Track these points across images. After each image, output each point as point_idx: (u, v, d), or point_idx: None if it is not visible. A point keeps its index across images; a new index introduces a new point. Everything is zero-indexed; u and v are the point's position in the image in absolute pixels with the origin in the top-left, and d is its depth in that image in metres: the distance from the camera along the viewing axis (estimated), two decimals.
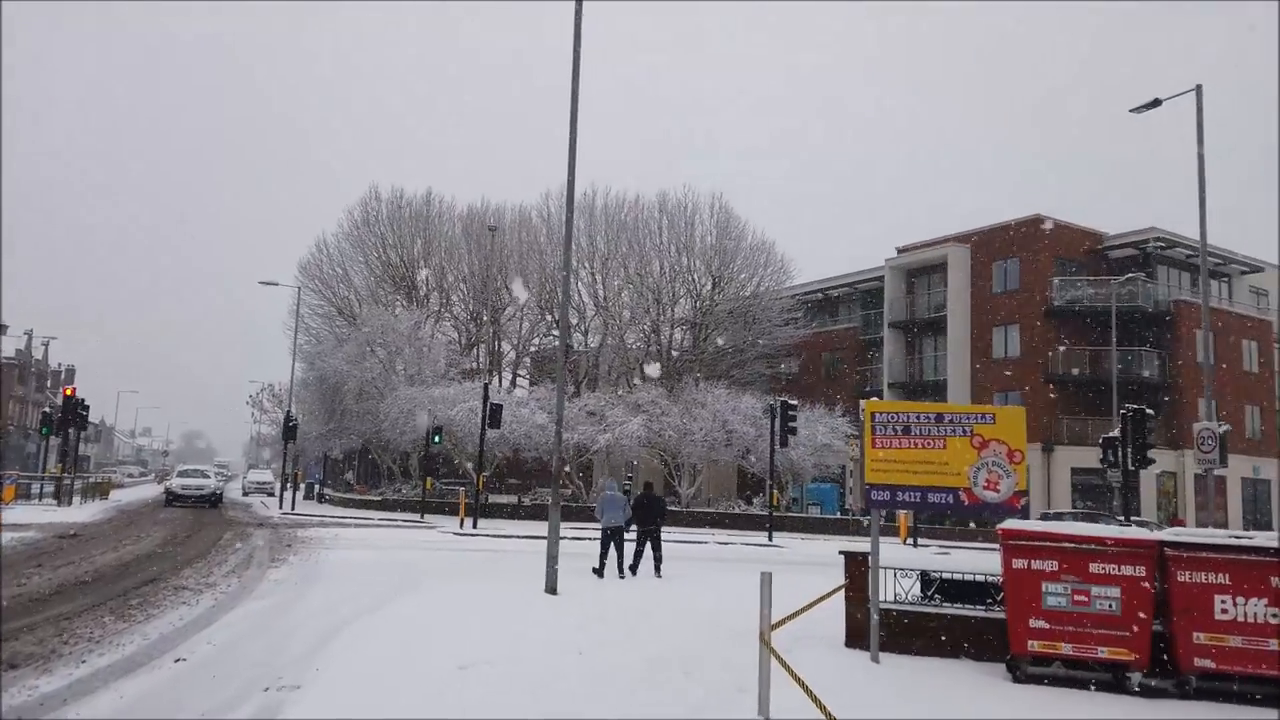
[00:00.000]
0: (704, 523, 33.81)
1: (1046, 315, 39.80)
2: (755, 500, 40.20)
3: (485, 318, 49.49)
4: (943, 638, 8.84)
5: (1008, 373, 40.45)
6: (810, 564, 20.08)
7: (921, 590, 9.25)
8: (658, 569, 15.83)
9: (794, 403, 26.51)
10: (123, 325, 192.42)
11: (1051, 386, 39.36)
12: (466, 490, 26.85)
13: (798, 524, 35.22)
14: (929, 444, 8.60)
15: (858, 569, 9.25)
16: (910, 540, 27.36)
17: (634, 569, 15.77)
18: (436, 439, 30.70)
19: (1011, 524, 8.37)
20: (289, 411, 37.72)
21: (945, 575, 9.12)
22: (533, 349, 52.10)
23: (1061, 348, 39.56)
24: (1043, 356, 39.46)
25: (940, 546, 28.79)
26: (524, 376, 51.91)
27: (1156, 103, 19.20)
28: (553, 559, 13.09)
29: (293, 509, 33.87)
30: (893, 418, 8.71)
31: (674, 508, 35.84)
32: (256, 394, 72.85)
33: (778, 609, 6.81)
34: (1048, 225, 40.76)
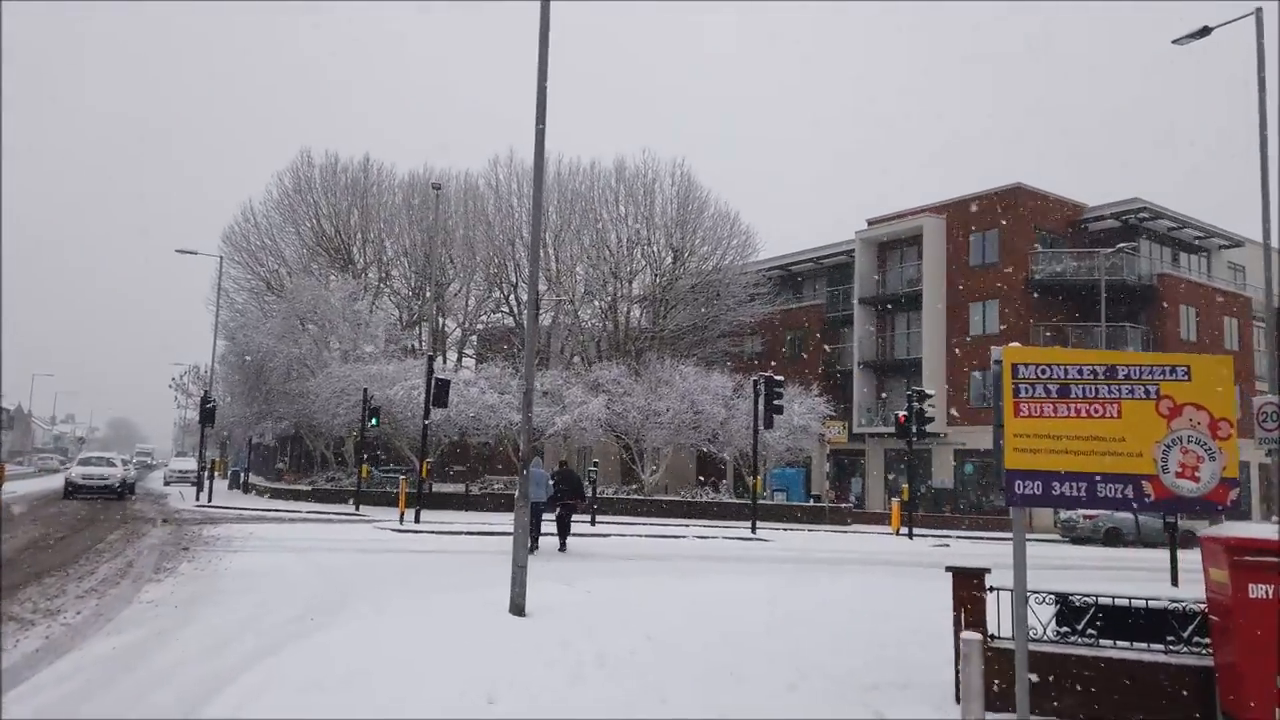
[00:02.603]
0: (672, 513, 31.04)
1: (1027, 289, 37.77)
2: (721, 487, 37.56)
3: (428, 293, 45.91)
4: (1102, 692, 6.08)
5: (987, 350, 38.30)
6: (810, 561, 17.40)
7: (1060, 621, 6.47)
8: (562, 544, 17.25)
9: (780, 378, 23.87)
10: (33, 303, 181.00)
11: None
12: (407, 479, 23.63)
13: (768, 512, 32.68)
14: (1097, 411, 5.80)
15: (971, 593, 6.44)
16: (904, 530, 24.88)
17: (562, 544, 17.17)
18: (373, 421, 27.35)
19: (1231, 531, 5.63)
20: (206, 393, 33.87)
21: (1100, 600, 6.33)
22: (480, 326, 48.68)
23: (1044, 323, 37.58)
24: (1023, 333, 37.41)
25: (938, 537, 26.45)
26: (470, 355, 48.49)
27: (1206, 31, 16.78)
28: (520, 568, 10.10)
29: (209, 501, 30.20)
30: (1043, 371, 5.88)
31: (637, 496, 33.04)
32: (180, 376, 68.10)
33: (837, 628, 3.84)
34: (1027, 195, 38.71)
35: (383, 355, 37.09)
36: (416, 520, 21.64)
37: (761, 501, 34.78)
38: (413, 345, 44.69)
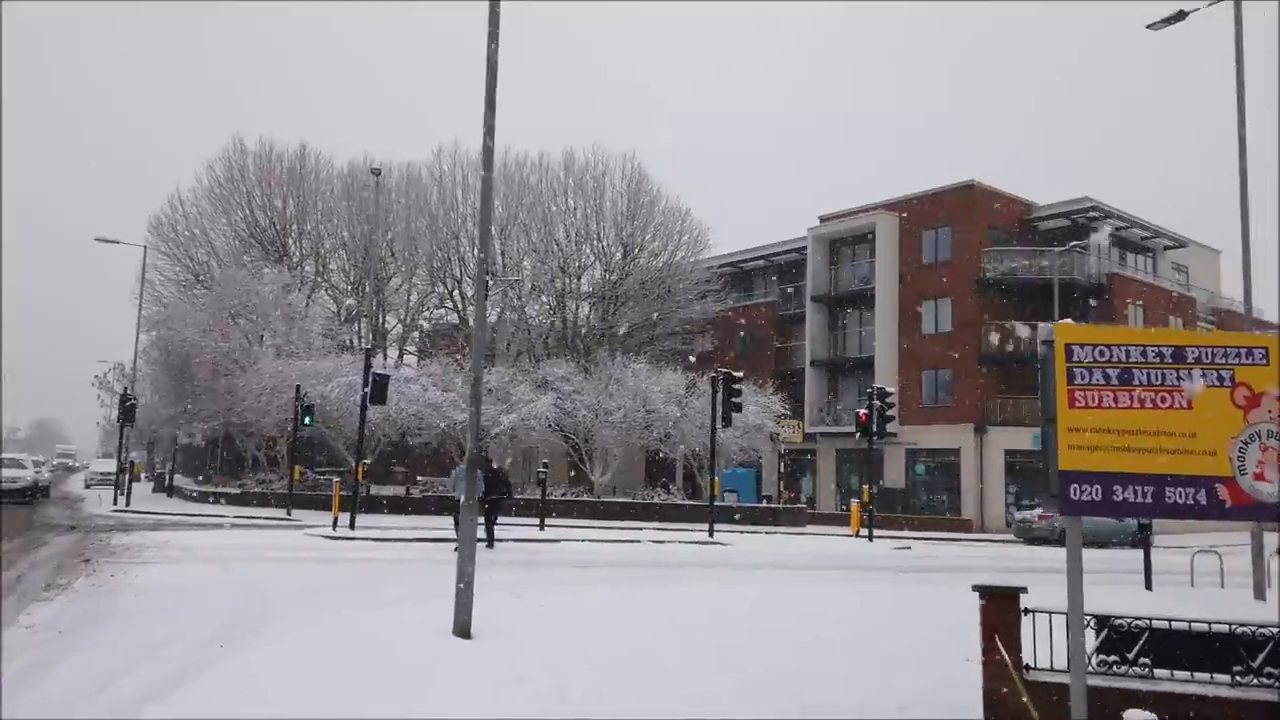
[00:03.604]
0: (624, 515, 29.92)
1: (979, 288, 37.53)
2: (672, 488, 36.56)
3: (368, 288, 44.10)
4: None
5: (939, 349, 38.04)
6: (775, 567, 16.46)
7: (1105, 649, 5.53)
8: (490, 542, 17.52)
9: (738, 375, 22.92)
10: None
11: (985, 364, 37.14)
12: (341, 481, 22.15)
13: (721, 514, 31.75)
14: (1164, 400, 4.87)
15: (1003, 617, 5.46)
16: (864, 532, 24.14)
17: (489, 543, 17.48)
18: (307, 420, 25.72)
19: None
20: (125, 390, 31.76)
21: (1154, 624, 5.40)
22: (423, 323, 46.97)
23: (996, 322, 37.36)
24: (975, 331, 37.19)
25: (897, 539, 25.81)
26: (412, 353, 46.78)
27: (1181, 15, 16.26)
28: (467, 584, 8.90)
29: (128, 505, 28.22)
30: (1102, 354, 4.93)
31: (587, 498, 31.88)
32: (104, 374, 64.83)
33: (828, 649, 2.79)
34: (981, 193, 38.50)
35: (319, 351, 35.30)
36: (351, 525, 20.19)
37: (715, 503, 33.94)
38: (351, 341, 42.87)
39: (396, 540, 18.97)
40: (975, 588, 5.61)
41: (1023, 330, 37.17)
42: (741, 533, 25.86)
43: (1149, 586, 15.18)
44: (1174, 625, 5.33)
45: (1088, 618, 5.58)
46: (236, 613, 9.85)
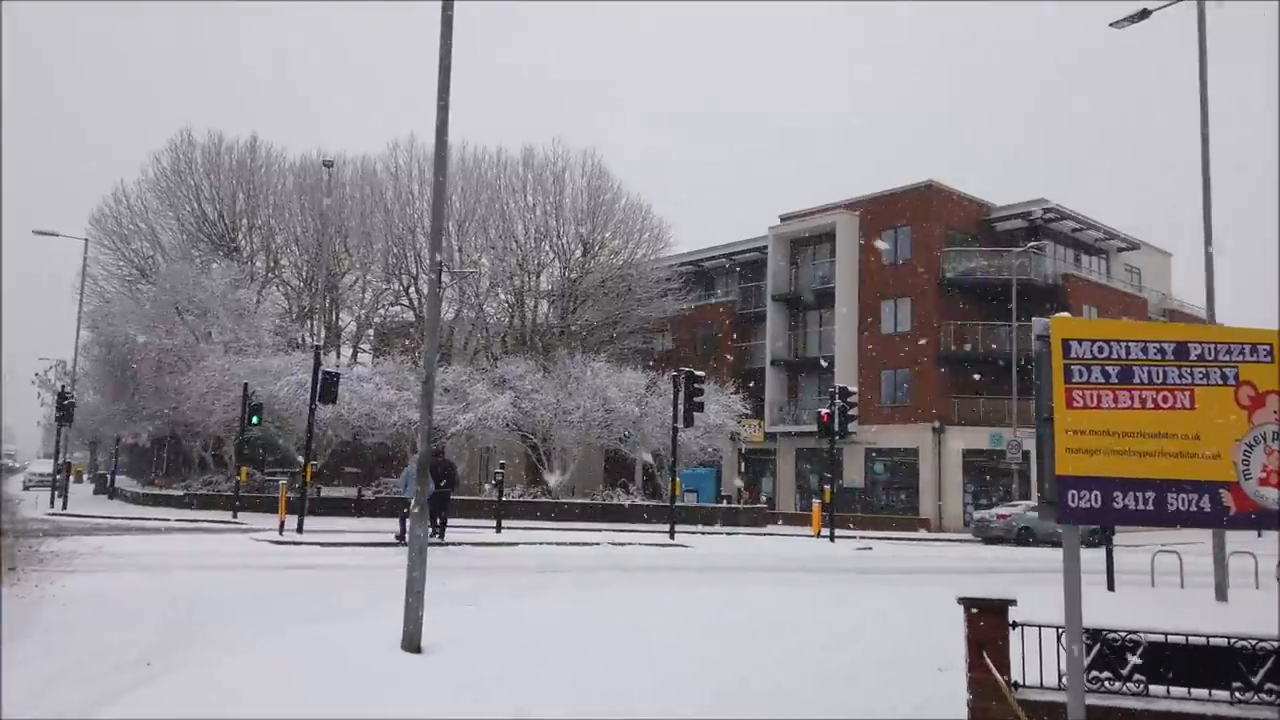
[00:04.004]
0: (583, 516, 29.44)
1: (939, 288, 37.66)
2: (631, 488, 36.14)
3: (321, 284, 43.04)
4: None
5: (898, 349, 38.11)
6: (740, 570, 16.11)
7: (1098, 664, 5.20)
8: (441, 534, 18.56)
9: (701, 373, 22.54)
10: None
11: (944, 364, 37.28)
12: (287, 483, 21.38)
13: (681, 514, 31.46)
14: (1166, 400, 4.55)
15: (991, 631, 5.11)
16: (826, 532, 23.93)
17: (441, 534, 18.48)
18: (254, 420, 24.85)
19: None
20: (63, 389, 30.50)
21: (1149, 638, 5.08)
22: (377, 320, 45.99)
23: (954, 322, 37.53)
24: (935, 331, 37.31)
25: (857, 539, 25.66)
26: (366, 350, 45.78)
27: (1145, 14, 16.21)
28: (417, 594, 8.38)
29: (65, 508, 27.08)
30: (1101, 350, 4.59)
31: (545, 499, 31.33)
32: (45, 372, 62.69)
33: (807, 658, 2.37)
34: (939, 193, 38.66)
35: (270, 349, 34.30)
36: (299, 529, 19.44)
37: (676, 504, 33.60)
38: (303, 339, 41.83)
39: (346, 545, 18.30)
40: (961, 600, 5.25)
41: (981, 333, 37.43)
42: (703, 534, 25.53)
43: (1111, 587, 15.08)
44: (1170, 638, 5.02)
45: (1060, 628, 5.25)
46: (169, 627, 9.22)
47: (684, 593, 11.81)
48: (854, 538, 26.20)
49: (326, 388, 19.22)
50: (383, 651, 7.94)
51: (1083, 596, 12.63)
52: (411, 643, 8.22)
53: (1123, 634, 5.08)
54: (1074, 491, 4.43)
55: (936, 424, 36.59)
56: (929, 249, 37.79)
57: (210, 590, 11.62)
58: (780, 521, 36.15)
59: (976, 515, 31.16)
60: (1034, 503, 31.37)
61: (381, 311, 45.76)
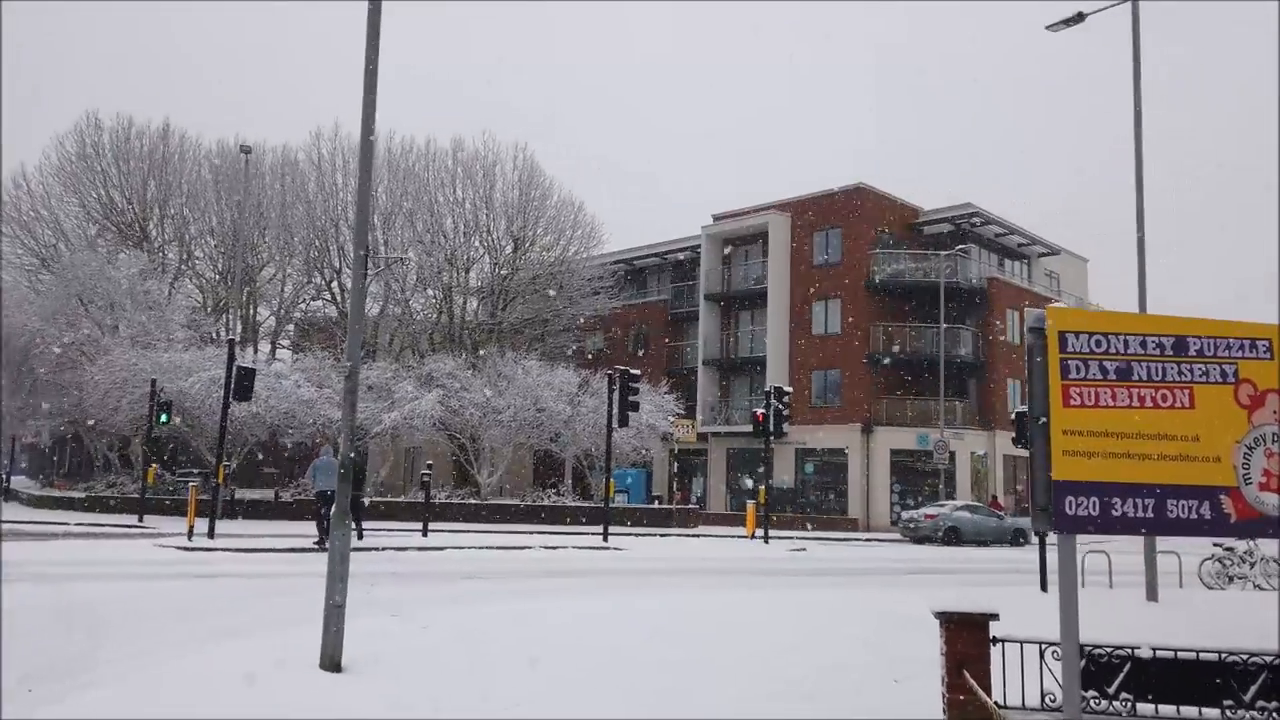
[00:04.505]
0: (513, 518, 28.73)
1: (868, 290, 37.97)
2: (561, 489, 35.53)
3: (238, 278, 41.26)
4: None
5: (829, 349, 38.30)
6: (678, 573, 15.67)
7: (1085, 682, 4.87)
8: (359, 535, 18.29)
9: (636, 372, 22.07)
10: None
11: (873, 365, 37.60)
12: (198, 485, 20.15)
13: (613, 515, 30.95)
14: (1165, 399, 4.22)
15: (971, 648, 4.73)
16: (760, 533, 23.70)
17: (358, 535, 18.05)
18: (163, 418, 23.46)
19: None
20: None
21: (1137, 654, 4.77)
22: (297, 315, 44.35)
23: (883, 324, 37.88)
24: (864, 333, 37.61)
25: (791, 540, 25.50)
26: (286, 347, 44.11)
27: (1080, 17, 16.32)
28: (337, 607, 7.69)
29: None
30: (1099, 343, 4.24)
31: (473, 501, 30.49)
32: None
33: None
34: (869, 196, 39.00)
35: (181, 344, 32.62)
36: (210, 534, 18.31)
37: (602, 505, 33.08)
38: (218, 334, 40.01)
39: (261, 550, 17.27)
40: (939, 615, 4.86)
41: (909, 335, 37.88)
42: (636, 535, 25.08)
43: (1044, 587, 15.11)
44: (1158, 653, 4.71)
45: (1055, 648, 4.92)
46: (56, 646, 8.32)
47: (624, 599, 11.30)
48: (786, 538, 26.08)
49: (241, 384, 18.15)
50: (298, 672, 7.24)
51: (1019, 596, 12.37)
52: (331, 660, 7.54)
53: (1109, 649, 4.76)
54: (1071, 498, 4.07)
55: (865, 424, 36.87)
56: (859, 251, 38.08)
57: (109, 601, 10.66)
58: (712, 522, 35.95)
59: (904, 515, 31.42)
60: (960, 503, 31.82)
61: (302, 306, 44.19)
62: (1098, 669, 4.76)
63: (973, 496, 35.56)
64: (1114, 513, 4.09)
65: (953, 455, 35.19)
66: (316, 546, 17.59)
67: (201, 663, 7.52)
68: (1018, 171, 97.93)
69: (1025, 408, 16.39)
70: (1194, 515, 4.15)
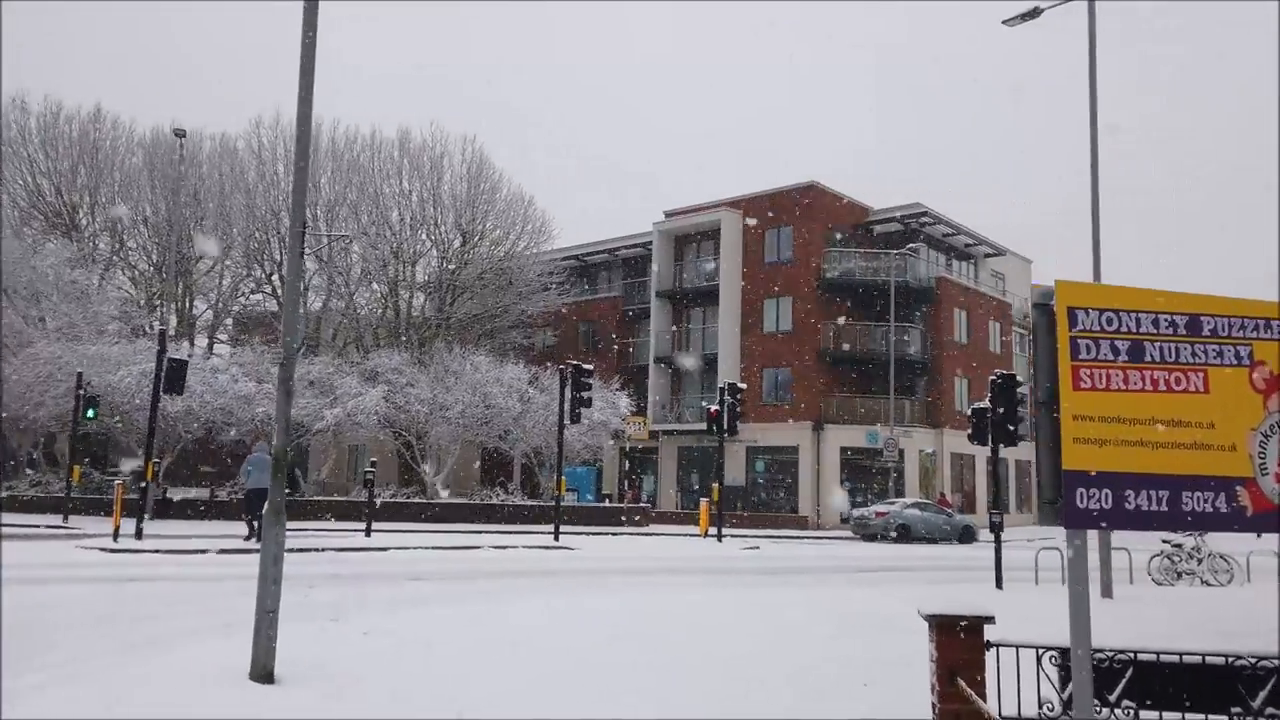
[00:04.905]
0: (460, 517, 28.00)
1: (819, 288, 37.99)
2: (510, 488, 34.86)
3: (173, 270, 39.70)
4: None
5: (780, 347, 38.24)
6: (633, 573, 15.24)
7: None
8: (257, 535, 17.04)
9: (589, 368, 21.55)
10: None
11: (823, 363, 37.63)
12: (125, 484, 19.08)
13: (563, 515, 30.41)
14: (1179, 381, 3.90)
15: (964, 654, 4.38)
16: (714, 532, 23.39)
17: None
18: (90, 413, 22.31)
19: None
20: None
21: (1140, 657, 4.45)
22: (236, 309, 42.90)
23: (833, 322, 37.93)
24: (815, 331, 37.62)
25: (743, 539, 25.24)
26: (224, 341, 42.63)
27: (1036, 12, 16.30)
28: (270, 613, 7.10)
29: None
30: (1110, 321, 3.90)
31: (419, 500, 29.70)
32: None
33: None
34: (821, 194, 39.02)
35: (112, 336, 31.21)
36: (138, 535, 17.35)
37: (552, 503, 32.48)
38: (152, 327, 38.46)
39: (191, 552, 16.40)
40: (928, 616, 4.49)
41: (859, 333, 37.98)
42: (587, 534, 24.59)
43: (999, 585, 15.03)
44: (1162, 658, 4.40)
45: (1053, 652, 4.59)
46: None
47: (581, 601, 10.83)
48: (739, 537, 25.82)
49: (173, 376, 17.24)
50: (226, 684, 6.65)
51: (976, 594, 12.13)
52: (262, 670, 6.95)
53: (1110, 653, 4.44)
54: (1082, 490, 3.72)
55: (816, 422, 36.87)
56: (811, 249, 38.08)
57: (25, 608, 9.85)
58: (663, 521, 35.61)
59: (855, 513, 31.42)
60: (910, 501, 31.92)
61: (241, 300, 42.75)
62: (1098, 675, 4.44)
63: (921, 494, 35.77)
64: (1127, 505, 3.75)
65: (902, 453, 35.36)
66: (244, 542, 17.24)
67: (119, 677, 6.87)
68: (1018, 172, 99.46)
69: (983, 404, 16.33)
70: (1209, 508, 3.84)
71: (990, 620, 4.41)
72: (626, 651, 7.94)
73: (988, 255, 45.49)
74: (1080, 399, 3.77)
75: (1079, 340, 3.81)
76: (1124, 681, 4.33)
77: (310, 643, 8.15)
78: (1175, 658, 4.39)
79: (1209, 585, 17.06)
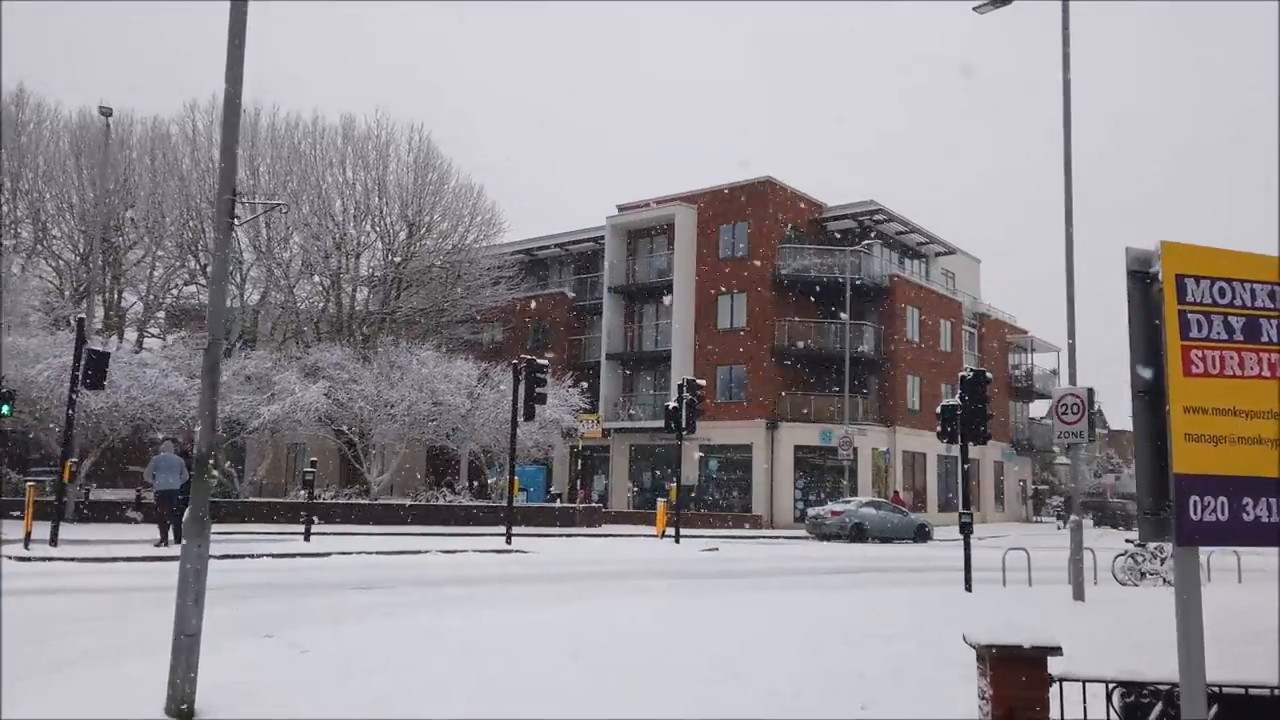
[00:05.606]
0: (406, 519, 26.86)
1: (774, 285, 37.56)
2: (458, 488, 33.73)
3: (101, 260, 37.70)
4: None
5: (734, 344, 37.72)
6: (593, 578, 14.43)
7: None
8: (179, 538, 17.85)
9: (544, 362, 20.62)
10: None
11: (777, 360, 37.21)
12: (36, 486, 17.65)
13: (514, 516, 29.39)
14: None
15: (1025, 691, 3.68)
16: (670, 533, 22.67)
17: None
18: (4, 409, 20.68)
19: None
20: None
21: (1227, 690, 3.80)
22: (168, 301, 40.98)
23: (788, 319, 37.54)
24: (769, 328, 37.18)
25: (701, 539, 24.58)
26: (156, 335, 40.72)
27: None
28: (189, 636, 6.15)
29: None
30: (1222, 293, 3.22)
31: (362, 501, 28.48)
32: None
33: None
34: (777, 190, 38.59)
35: (31, 328, 29.34)
36: (53, 541, 15.98)
37: (505, 504, 31.47)
38: (78, 320, 36.45)
39: (111, 560, 15.13)
40: (980, 646, 3.79)
41: (814, 329, 37.65)
42: (539, 536, 23.70)
43: (969, 588, 14.57)
44: (1251, 691, 3.75)
45: (1112, 684, 3.91)
46: None
47: (539, 613, 9.99)
48: (696, 538, 25.16)
49: (93, 369, 15.94)
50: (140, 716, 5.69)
51: (945, 598, 11.38)
52: (180, 703, 6.02)
53: (1158, 686, 3.77)
54: (1196, 499, 3.03)
55: (770, 420, 36.44)
56: (765, 245, 37.63)
57: None
58: (616, 521, 34.82)
59: (811, 512, 31.00)
60: (865, 499, 31.62)
61: (174, 292, 40.85)
62: (1138, 708, 3.78)
63: (874, 492, 35.57)
64: (1245, 517, 3.08)
65: (856, 451, 35.10)
66: (155, 548, 16.40)
67: (8, 709, 5.86)
68: (1018, 173, 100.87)
69: (952, 401, 15.85)
70: None
71: (1057, 651, 3.72)
72: (592, 672, 7.15)
73: (939, 254, 45.63)
74: (1192, 387, 3.08)
75: (1189, 315, 3.13)
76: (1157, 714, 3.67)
77: (240, 664, 7.23)
78: (1265, 691, 3.74)
79: (1172, 585, 16.88)
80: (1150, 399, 3.17)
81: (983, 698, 3.81)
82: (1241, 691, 3.70)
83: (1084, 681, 3.76)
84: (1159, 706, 3.71)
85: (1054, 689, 3.78)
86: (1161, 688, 3.74)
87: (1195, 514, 3.03)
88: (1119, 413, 72.77)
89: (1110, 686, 3.75)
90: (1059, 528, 41.22)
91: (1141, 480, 3.16)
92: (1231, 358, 3.15)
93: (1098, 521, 44.33)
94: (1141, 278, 3.22)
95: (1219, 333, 3.15)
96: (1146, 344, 3.20)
